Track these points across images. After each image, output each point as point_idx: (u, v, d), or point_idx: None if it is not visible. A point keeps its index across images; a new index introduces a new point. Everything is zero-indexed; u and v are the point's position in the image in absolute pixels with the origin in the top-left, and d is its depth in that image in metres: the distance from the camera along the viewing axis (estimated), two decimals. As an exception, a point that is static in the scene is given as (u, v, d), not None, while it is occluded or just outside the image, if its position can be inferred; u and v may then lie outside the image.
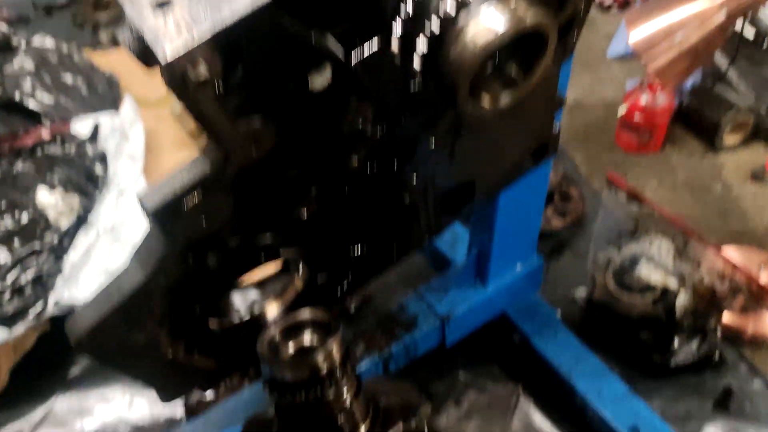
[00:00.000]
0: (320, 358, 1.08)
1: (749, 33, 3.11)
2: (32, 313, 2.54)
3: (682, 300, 2.40)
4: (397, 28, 0.87)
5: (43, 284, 2.69)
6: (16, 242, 2.85)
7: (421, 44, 0.86)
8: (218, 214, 1.00)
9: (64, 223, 2.86)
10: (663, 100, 3.24)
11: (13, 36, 3.60)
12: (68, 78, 3.51)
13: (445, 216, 1.43)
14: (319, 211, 1.15)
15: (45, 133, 3.24)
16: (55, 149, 3.19)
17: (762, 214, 3.21)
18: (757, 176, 3.35)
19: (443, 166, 1.28)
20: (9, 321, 2.51)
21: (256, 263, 1.18)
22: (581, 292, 2.77)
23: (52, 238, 2.82)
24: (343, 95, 0.95)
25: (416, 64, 0.88)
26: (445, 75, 0.87)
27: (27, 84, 3.41)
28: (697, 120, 3.48)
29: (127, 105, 3.42)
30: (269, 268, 1.24)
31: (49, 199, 2.91)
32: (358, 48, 0.91)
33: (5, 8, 4.26)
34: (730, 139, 3.42)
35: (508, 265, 2.38)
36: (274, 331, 1.16)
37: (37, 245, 2.82)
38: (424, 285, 2.40)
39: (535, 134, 1.40)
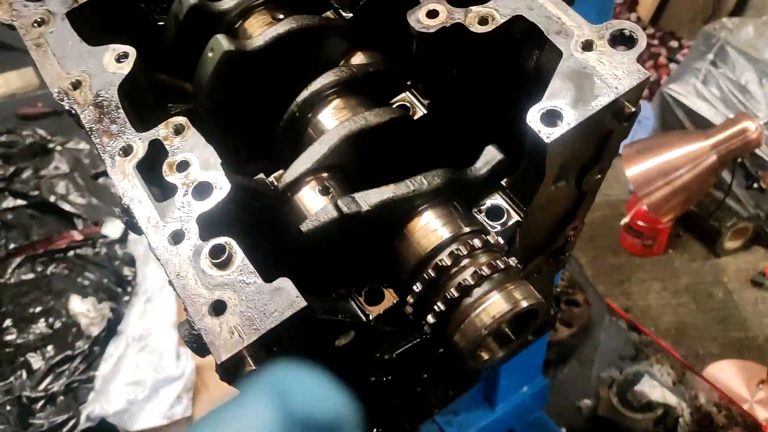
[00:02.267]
0: None
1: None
2: (66, 427, 2.69)
3: (682, 423, 2.50)
4: (410, 299, 1.03)
5: (74, 393, 2.84)
6: (50, 349, 3.01)
7: (430, 316, 1.02)
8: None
9: (95, 331, 3.02)
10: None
11: (50, 139, 3.83)
12: (100, 179, 3.72)
13: (453, 392, 1.58)
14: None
15: (77, 235, 3.44)
16: (86, 251, 3.38)
17: (762, 321, 3.32)
18: (757, 282, 3.47)
19: (452, 363, 1.43)
20: (43, 436, 2.66)
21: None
22: (587, 402, 2.88)
23: (83, 345, 2.98)
24: (364, 342, 1.11)
25: (426, 327, 1.04)
26: (451, 343, 1.02)
27: (61, 186, 3.62)
28: (698, 225, 3.61)
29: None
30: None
31: (81, 307, 3.08)
32: (378, 309, 1.07)
33: (41, 102, 4.51)
34: (730, 243, 3.55)
35: (515, 388, 2.50)
36: None
37: (69, 352, 2.99)
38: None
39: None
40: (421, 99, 1.23)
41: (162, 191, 1.04)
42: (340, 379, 1.18)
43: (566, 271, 3.52)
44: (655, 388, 2.59)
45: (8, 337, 3.05)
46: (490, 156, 1.12)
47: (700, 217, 3.53)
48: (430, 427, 2.49)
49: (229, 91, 1.22)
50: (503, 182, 1.12)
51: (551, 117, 0.97)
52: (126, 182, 1.04)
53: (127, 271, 3.32)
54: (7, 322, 3.09)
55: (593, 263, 3.57)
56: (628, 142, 2.93)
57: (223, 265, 0.93)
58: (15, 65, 5.12)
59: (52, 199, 3.61)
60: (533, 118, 0.96)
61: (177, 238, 0.97)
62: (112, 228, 3.49)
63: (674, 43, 5.22)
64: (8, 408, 2.77)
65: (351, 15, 1.34)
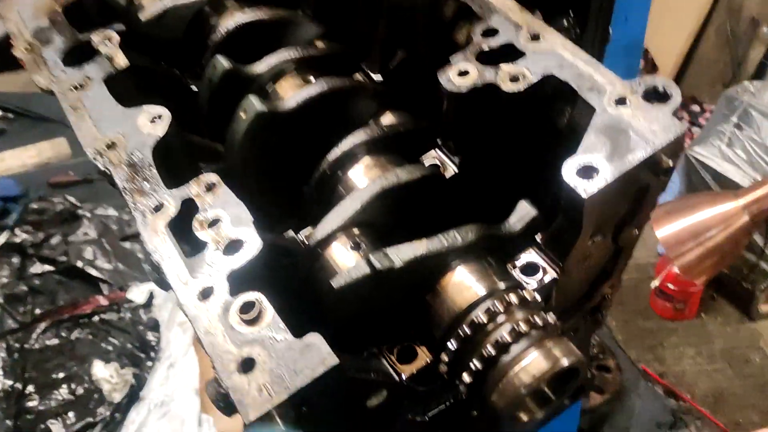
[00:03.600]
0: None
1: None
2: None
3: (726, 496, 2.37)
4: (444, 357, 1.00)
5: (94, 462, 2.78)
6: (71, 415, 2.97)
7: (466, 375, 0.98)
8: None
9: (117, 397, 2.99)
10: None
11: (80, 206, 3.89)
12: (127, 244, 3.75)
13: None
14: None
15: (103, 300, 3.44)
16: (111, 315, 3.37)
17: (803, 388, 3.18)
18: (795, 347, 3.35)
19: (485, 427, 1.38)
20: (62, 507, 2.59)
21: None
22: (623, 476, 2.75)
23: (105, 412, 2.94)
24: (397, 402, 1.07)
25: (461, 386, 1.01)
26: (488, 404, 0.99)
27: (89, 252, 3.65)
28: (731, 288, 3.52)
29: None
30: None
31: (104, 372, 3.05)
32: (411, 368, 1.04)
33: (72, 171, 4.62)
34: (766, 307, 3.45)
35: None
36: None
37: (90, 419, 2.94)
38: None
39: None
40: (451, 157, 1.23)
41: (192, 249, 1.03)
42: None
43: (596, 336, 3.43)
44: (696, 460, 2.47)
45: (30, 404, 3.02)
46: (524, 212, 1.10)
47: (733, 279, 3.46)
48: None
49: (260, 152, 1.23)
50: (538, 238, 1.10)
51: (587, 171, 0.95)
52: (157, 239, 1.03)
53: (150, 336, 3.31)
54: (30, 388, 3.07)
55: (623, 328, 3.48)
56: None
57: (252, 321, 0.91)
58: (48, 135, 5.28)
59: (79, 264, 3.65)
60: (569, 172, 0.95)
61: (206, 294, 0.96)
62: (138, 293, 3.50)
63: (696, 107, 5.24)
64: (27, 477, 2.72)
65: (380, 77, 1.35)
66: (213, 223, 1.02)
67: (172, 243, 1.02)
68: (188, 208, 1.06)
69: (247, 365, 0.89)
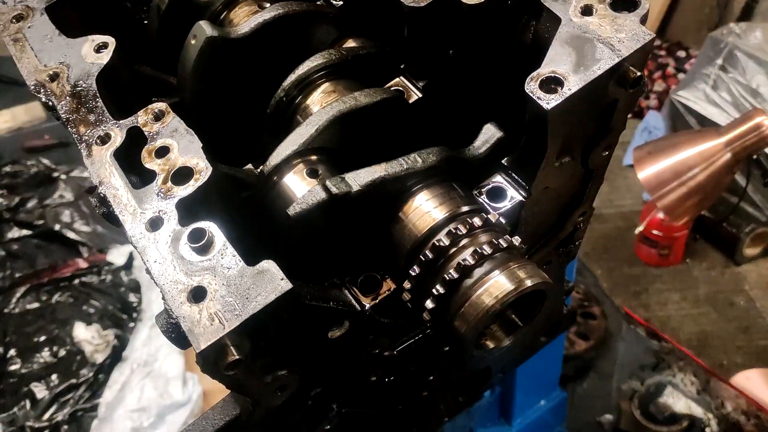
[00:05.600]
0: None
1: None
2: (68, 457, 2.61)
3: (709, 434, 2.38)
4: (407, 284, 0.96)
5: (79, 421, 2.76)
6: (54, 377, 2.94)
7: (429, 301, 0.95)
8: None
9: (99, 358, 2.96)
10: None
11: (55, 168, 3.81)
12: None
13: (463, 398, 1.49)
14: (343, 422, 1.22)
15: (82, 262, 3.40)
16: (91, 278, 3.33)
17: (787, 329, 3.19)
18: (780, 289, 3.34)
19: (458, 363, 1.35)
20: (46, 466, 2.58)
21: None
22: (608, 418, 2.76)
23: (88, 373, 2.91)
24: (361, 335, 1.04)
25: (425, 314, 0.97)
26: (451, 330, 0.95)
27: (66, 215, 3.59)
28: (716, 232, 3.51)
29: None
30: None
31: (86, 334, 3.02)
32: (374, 298, 1.00)
33: (47, 135, 4.52)
34: (750, 250, 3.44)
35: (531, 402, 2.40)
36: None
37: (73, 380, 2.92)
38: (449, 423, 2.42)
39: (548, 318, 1.47)
40: (415, 83, 1.17)
41: (141, 181, 0.98)
42: (337, 378, 1.11)
43: (581, 284, 3.43)
44: (679, 399, 2.48)
45: (12, 367, 2.99)
46: (489, 134, 1.06)
47: (718, 224, 3.44)
48: (445, 445, 2.38)
49: (213, 81, 1.17)
50: (504, 161, 1.06)
51: (551, 83, 0.91)
52: (103, 171, 0.98)
53: (132, 297, 3.27)
54: (11, 352, 3.04)
55: (609, 275, 3.47)
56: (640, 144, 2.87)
57: (203, 250, 0.87)
58: (22, 100, 5.16)
59: (57, 227, 3.58)
60: (532, 85, 0.90)
61: (155, 224, 0.91)
62: (117, 255, 3.45)
63: (682, 53, 5.16)
64: (11, 439, 2.70)
65: (341, 2, 1.29)
66: (161, 152, 0.97)
67: (119, 173, 0.97)
68: (136, 138, 1.01)
69: (197, 294, 0.85)
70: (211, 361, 0.84)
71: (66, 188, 3.74)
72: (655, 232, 3.39)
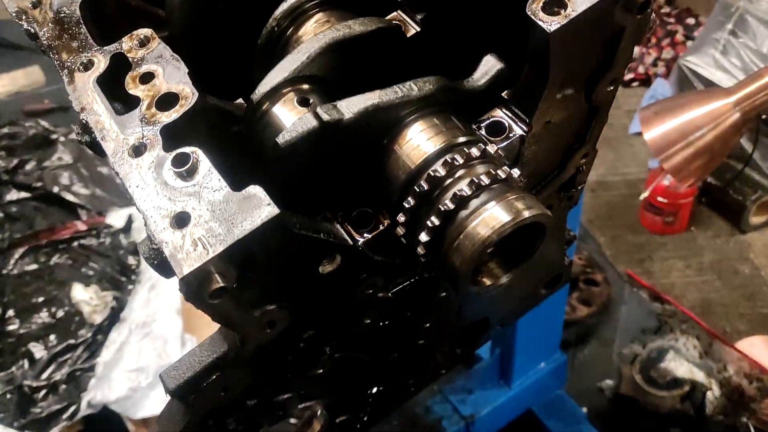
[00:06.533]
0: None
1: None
2: (66, 414, 2.60)
3: (711, 397, 2.36)
4: (401, 217, 0.93)
5: (77, 381, 2.76)
6: (52, 338, 2.93)
7: (423, 234, 0.91)
8: (236, 385, 1.06)
9: (98, 319, 2.94)
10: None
11: (54, 130, 3.77)
12: (104, 169, 3.65)
13: (461, 350, 1.46)
14: (335, 367, 1.19)
15: (81, 225, 3.37)
16: (90, 241, 3.31)
17: (792, 297, 3.15)
18: (785, 257, 3.30)
19: (456, 310, 1.32)
20: (43, 424, 2.57)
21: (277, 420, 1.22)
22: (609, 383, 2.74)
23: (86, 334, 2.90)
24: (353, 272, 1.00)
25: (420, 249, 0.94)
26: (447, 264, 0.92)
27: (65, 177, 3.55)
28: (722, 200, 3.46)
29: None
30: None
31: (84, 295, 3.00)
32: (367, 233, 0.97)
33: (47, 99, 4.48)
34: (756, 219, 3.39)
35: (531, 364, 2.38)
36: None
37: (71, 341, 2.91)
38: (448, 385, 2.41)
39: (548, 268, 1.43)
40: (414, 17, 1.13)
41: (125, 108, 0.94)
42: (329, 315, 1.08)
43: (584, 251, 3.39)
44: (681, 365, 2.46)
45: (10, 327, 2.98)
46: (489, 65, 1.01)
47: (723, 190, 3.39)
48: (444, 406, 2.37)
49: (203, 14, 1.13)
50: (504, 95, 1.02)
51: (553, 6, 0.86)
52: (85, 97, 0.94)
53: (131, 260, 3.25)
54: (10, 312, 3.03)
55: (612, 243, 3.43)
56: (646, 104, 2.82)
57: (187, 175, 0.83)
58: (21, 64, 5.11)
59: (55, 190, 3.55)
60: (534, 7, 0.86)
61: (138, 150, 0.87)
62: (117, 218, 3.42)
63: (691, 20, 5.07)
64: (9, 397, 2.69)
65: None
66: (146, 77, 0.93)
67: (101, 99, 0.94)
68: (120, 66, 0.97)
69: (181, 220, 0.81)
70: (194, 288, 0.80)
71: (65, 150, 3.70)
72: (660, 198, 3.34)
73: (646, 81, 4.50)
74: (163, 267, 0.85)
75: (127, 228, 3.39)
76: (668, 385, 2.51)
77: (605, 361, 2.88)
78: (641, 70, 4.60)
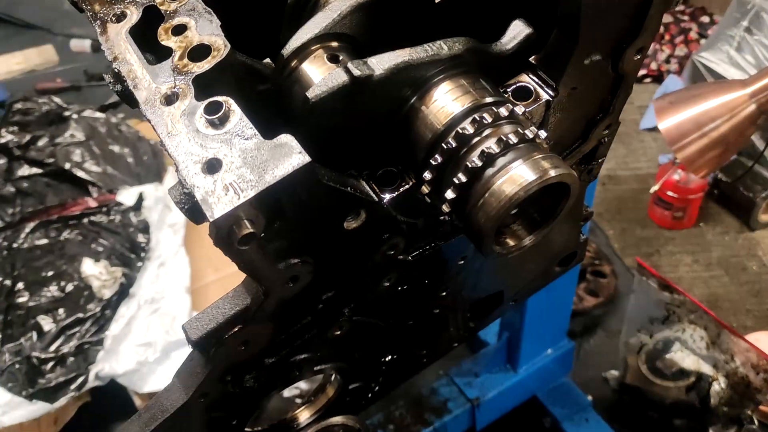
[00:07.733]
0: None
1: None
2: (73, 385, 2.62)
3: (716, 388, 2.36)
4: (427, 175, 0.94)
5: (84, 354, 2.77)
6: (61, 311, 2.95)
7: (449, 191, 0.92)
8: (257, 341, 1.07)
9: (107, 294, 2.96)
10: (696, 177, 3.24)
11: (67, 107, 3.78)
12: (116, 147, 3.67)
13: (474, 323, 1.47)
14: (353, 329, 1.20)
15: (92, 202, 3.38)
16: (101, 218, 3.32)
17: (799, 295, 3.15)
18: (794, 255, 3.30)
19: (472, 281, 1.33)
20: (51, 393, 2.59)
21: (292, 380, 1.23)
22: (614, 373, 2.74)
23: (95, 308, 2.91)
24: (376, 230, 1.01)
25: (445, 207, 0.94)
26: (471, 222, 0.92)
27: (77, 154, 3.57)
28: (731, 196, 3.46)
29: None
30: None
31: (94, 270, 3.01)
32: (391, 191, 0.97)
33: (59, 78, 4.49)
34: (765, 216, 3.39)
35: (538, 350, 2.39)
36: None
37: (80, 314, 2.92)
38: (455, 368, 2.41)
39: (563, 245, 1.44)
40: None
41: (157, 59, 0.95)
42: (349, 275, 1.09)
43: (592, 243, 3.40)
44: (687, 356, 2.46)
45: (20, 300, 2.99)
46: (518, 30, 1.02)
47: (734, 188, 3.38)
48: (450, 388, 2.38)
49: None
50: (532, 60, 1.02)
51: (587, -33, 0.87)
52: (117, 47, 0.95)
53: (141, 237, 3.26)
54: (20, 285, 3.04)
55: (621, 236, 3.43)
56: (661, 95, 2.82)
57: (219, 123, 0.84)
58: (35, 42, 5.13)
59: (67, 166, 3.56)
60: (566, -32, 0.87)
61: (170, 99, 0.88)
62: (127, 195, 3.44)
63: (705, 18, 5.06)
64: (17, 367, 2.71)
65: None
66: (178, 29, 0.94)
67: (134, 50, 0.95)
68: (153, 18, 0.98)
69: (212, 166, 0.82)
70: (224, 233, 0.81)
71: (77, 127, 3.71)
72: (669, 193, 3.33)
73: (658, 78, 4.49)
74: (194, 211, 0.85)
75: (137, 206, 3.40)
76: (674, 375, 2.52)
77: (611, 351, 2.88)
78: (654, 66, 4.59)
